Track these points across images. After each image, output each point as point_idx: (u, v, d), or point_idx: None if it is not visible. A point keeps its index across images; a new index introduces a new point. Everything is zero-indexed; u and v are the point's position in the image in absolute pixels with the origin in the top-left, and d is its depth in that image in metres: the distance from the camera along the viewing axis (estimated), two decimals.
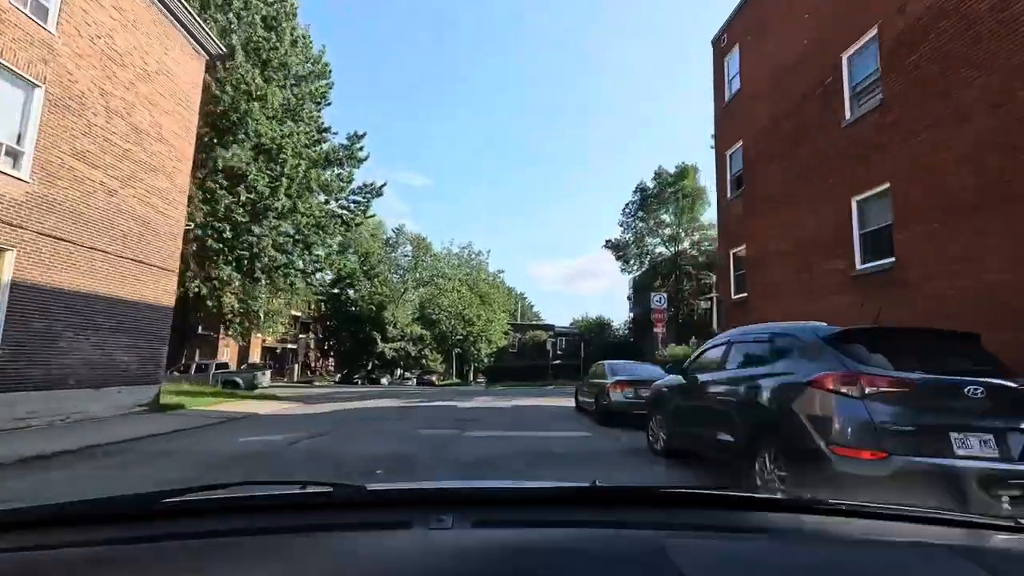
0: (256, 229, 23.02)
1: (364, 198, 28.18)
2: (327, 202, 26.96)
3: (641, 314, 41.93)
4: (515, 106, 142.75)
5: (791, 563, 0.93)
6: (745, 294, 14.35)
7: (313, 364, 61.61)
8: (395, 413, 14.24)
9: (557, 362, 52.10)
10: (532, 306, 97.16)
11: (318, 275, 31.13)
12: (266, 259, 23.54)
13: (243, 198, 21.37)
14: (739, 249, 14.89)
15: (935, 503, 1.39)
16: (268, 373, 26.72)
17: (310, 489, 1.18)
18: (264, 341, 49.60)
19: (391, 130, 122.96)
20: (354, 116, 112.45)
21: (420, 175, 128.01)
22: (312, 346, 61.00)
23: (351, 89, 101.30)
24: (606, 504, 1.19)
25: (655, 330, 20.38)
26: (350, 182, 27.84)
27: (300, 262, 26.21)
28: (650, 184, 39.54)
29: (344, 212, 28.13)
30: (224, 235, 21.17)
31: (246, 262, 24.36)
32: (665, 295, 21.17)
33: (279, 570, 0.86)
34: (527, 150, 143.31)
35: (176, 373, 25.12)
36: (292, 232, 24.79)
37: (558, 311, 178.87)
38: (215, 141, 21.07)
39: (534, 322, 69.43)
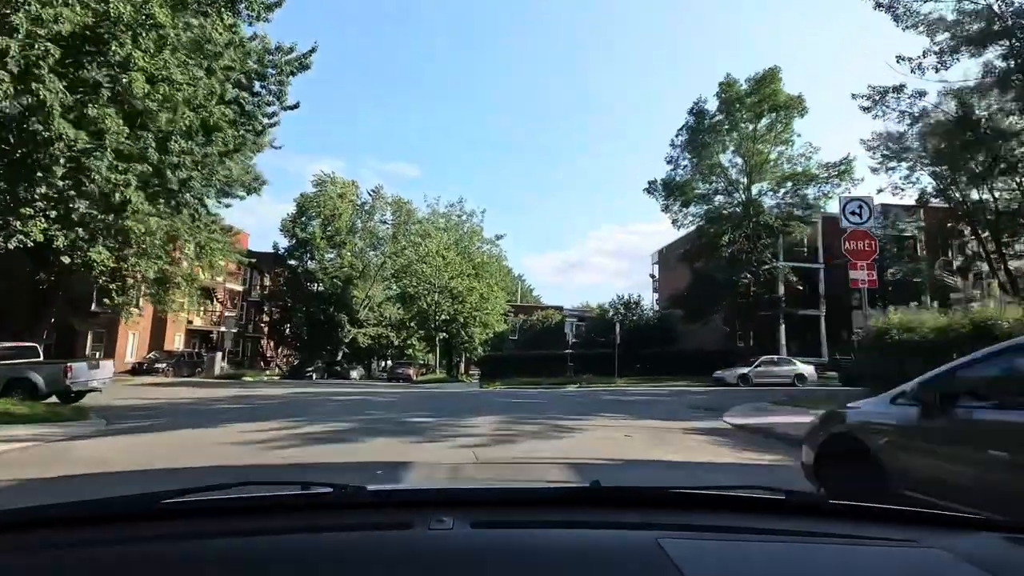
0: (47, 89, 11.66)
1: (276, 71, 16.84)
2: (209, 70, 15.56)
3: (684, 290, 30.95)
4: (503, 100, 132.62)
5: (791, 564, 0.93)
6: None
7: (268, 353, 50.23)
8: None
9: (568, 351, 41.02)
10: (532, 289, 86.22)
11: (208, 200, 19.76)
12: (60, 143, 12.16)
13: None
14: None
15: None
16: (106, 364, 15.45)
17: (310, 490, 1.16)
18: (191, 322, 38.19)
19: (385, 121, 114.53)
20: (346, 105, 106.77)
21: (412, 165, 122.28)
22: (266, 331, 49.57)
23: (343, 76, 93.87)
24: (606, 505, 1.18)
25: (856, 275, 9.35)
26: (264, 55, 16.52)
27: (166, 170, 14.87)
28: (711, 105, 28.12)
29: (242, 95, 16.79)
30: None
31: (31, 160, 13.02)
32: (872, 202, 10.08)
33: (280, 571, 0.86)
34: (520, 142, 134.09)
35: None
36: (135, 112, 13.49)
37: (553, 301, 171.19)
38: None
39: (534, 304, 58.17)
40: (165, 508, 1.06)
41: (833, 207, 29.52)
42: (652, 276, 58.21)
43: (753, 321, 30.66)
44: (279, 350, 51.16)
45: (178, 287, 25.94)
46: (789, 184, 27.14)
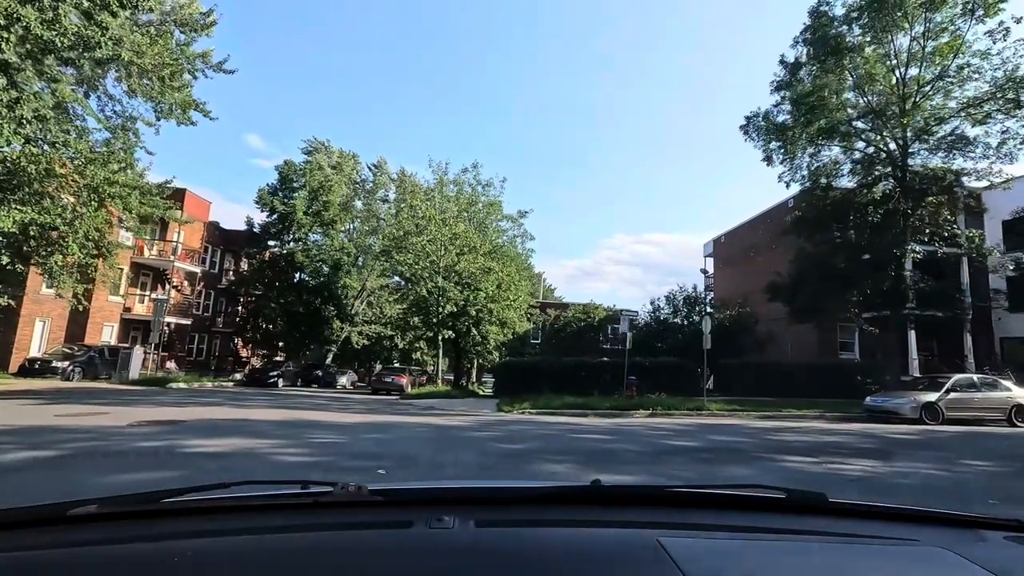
0: None
1: None
2: None
3: (786, 278, 21.64)
4: (510, 107, 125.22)
5: (792, 563, 0.92)
6: None
7: (239, 353, 41.87)
8: None
9: (604, 359, 31.80)
10: (554, 289, 77.02)
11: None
12: None
13: None
14: None
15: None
16: None
17: (311, 489, 1.15)
18: (129, 309, 29.84)
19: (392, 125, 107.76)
20: (358, 114, 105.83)
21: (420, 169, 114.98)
22: (238, 325, 41.21)
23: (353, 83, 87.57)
24: (606, 504, 1.17)
25: None
26: None
27: None
28: (837, 10, 18.78)
29: None
30: None
31: None
32: None
33: (280, 570, 0.85)
34: (533, 148, 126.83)
35: None
36: None
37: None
38: None
39: (556, 302, 48.87)
40: (165, 507, 1.05)
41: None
42: (704, 271, 48.79)
43: (884, 324, 21.32)
44: (256, 350, 42.80)
45: (63, 248, 17.51)
46: (982, 108, 17.60)
